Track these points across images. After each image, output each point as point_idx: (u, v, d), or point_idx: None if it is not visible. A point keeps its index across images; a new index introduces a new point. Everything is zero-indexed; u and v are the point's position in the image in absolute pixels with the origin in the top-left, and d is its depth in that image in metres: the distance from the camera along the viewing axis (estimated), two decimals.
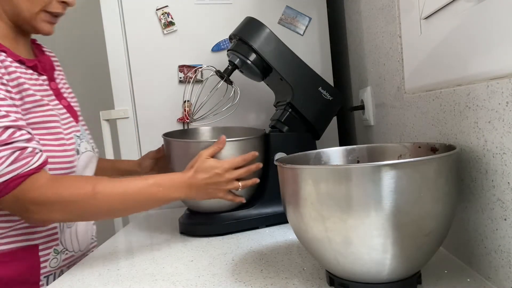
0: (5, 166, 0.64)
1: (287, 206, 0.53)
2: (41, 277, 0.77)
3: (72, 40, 1.79)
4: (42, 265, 0.77)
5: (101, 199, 0.71)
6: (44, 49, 0.91)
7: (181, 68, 1.19)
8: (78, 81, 1.81)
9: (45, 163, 0.70)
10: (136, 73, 1.18)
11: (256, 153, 0.84)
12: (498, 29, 0.43)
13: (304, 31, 1.21)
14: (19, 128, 0.67)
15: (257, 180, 0.85)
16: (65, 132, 0.79)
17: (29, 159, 0.66)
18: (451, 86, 0.55)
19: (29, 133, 0.69)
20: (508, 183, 0.44)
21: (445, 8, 0.55)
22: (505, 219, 0.45)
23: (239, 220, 0.87)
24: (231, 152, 0.84)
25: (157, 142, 1.02)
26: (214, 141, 0.83)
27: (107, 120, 1.21)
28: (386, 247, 0.45)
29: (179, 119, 1.20)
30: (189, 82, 1.17)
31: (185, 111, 1.19)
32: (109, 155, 1.22)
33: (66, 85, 0.91)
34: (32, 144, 0.68)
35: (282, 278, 0.59)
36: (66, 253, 0.82)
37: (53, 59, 0.91)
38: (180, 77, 1.19)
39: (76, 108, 0.89)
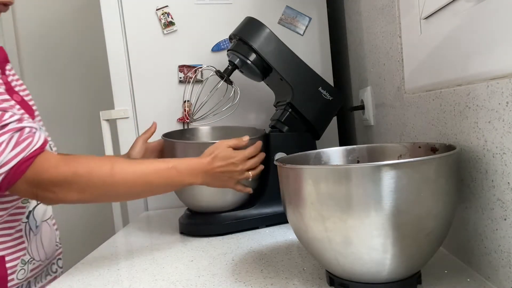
0: (8, 152, 0.62)
1: (287, 206, 0.53)
2: None
3: (72, 40, 1.79)
4: (9, 277, 0.73)
5: (119, 180, 0.69)
6: None
7: (181, 68, 1.19)
8: (78, 81, 1.81)
9: (46, 140, 0.67)
10: (136, 73, 1.18)
11: (261, 142, 0.85)
12: (498, 29, 0.43)
13: (304, 31, 1.21)
14: (4, 110, 0.64)
15: (263, 167, 0.87)
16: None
17: (30, 139, 0.64)
18: (451, 86, 0.55)
19: (15, 113, 0.65)
20: (508, 183, 0.44)
21: (445, 8, 0.55)
22: (505, 219, 0.45)
23: (239, 220, 0.87)
24: None
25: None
26: (214, 142, 0.83)
27: (107, 120, 1.21)
28: (386, 247, 0.45)
29: (179, 119, 1.20)
30: (189, 82, 1.18)
31: (185, 111, 1.19)
32: (109, 155, 1.22)
33: (20, 81, 0.86)
34: (26, 123, 0.65)
35: (282, 278, 0.59)
36: (34, 263, 0.79)
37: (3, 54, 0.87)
38: (180, 77, 1.19)
39: (30, 103, 0.84)
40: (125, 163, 0.71)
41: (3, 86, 0.76)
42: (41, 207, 0.82)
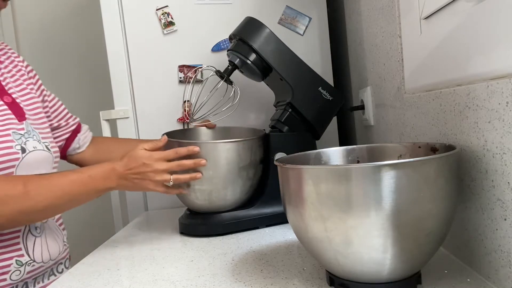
0: None
1: (287, 206, 0.53)
2: None
3: (72, 40, 1.79)
4: (0, 277, 0.73)
5: (34, 196, 0.68)
6: None
7: (181, 68, 1.19)
8: (78, 81, 1.81)
9: None
10: (136, 73, 1.18)
11: (196, 148, 0.80)
12: (498, 29, 0.43)
13: (304, 31, 1.21)
14: None
15: (197, 176, 0.80)
16: (1, 128, 0.75)
17: None
18: (451, 86, 0.55)
19: None
20: (508, 183, 0.44)
21: (445, 8, 0.55)
22: (505, 219, 0.45)
23: (239, 220, 0.87)
24: (230, 152, 0.84)
25: None
26: (213, 142, 0.83)
27: (107, 120, 1.21)
28: (386, 247, 0.45)
29: (179, 119, 1.20)
30: (189, 82, 1.17)
31: (185, 111, 1.19)
32: None
33: (19, 81, 0.86)
34: None
35: (282, 278, 0.59)
36: (33, 265, 0.78)
37: (0, 52, 0.87)
38: (180, 77, 1.19)
39: (24, 104, 0.84)
40: (38, 179, 0.70)
41: None
42: None
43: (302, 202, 0.48)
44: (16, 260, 0.76)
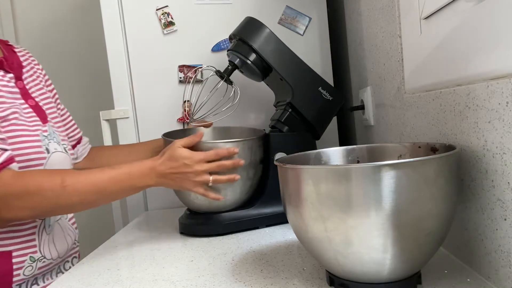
0: None
1: (287, 206, 0.53)
2: (13, 285, 0.75)
3: (72, 40, 1.79)
4: (15, 272, 0.75)
5: (71, 191, 0.69)
6: (16, 49, 0.90)
7: (181, 68, 1.19)
8: (78, 81, 1.81)
9: (8, 161, 0.68)
10: (136, 73, 1.18)
11: (236, 150, 0.81)
12: (498, 29, 0.43)
13: (304, 31, 1.21)
14: None
15: (235, 178, 0.81)
16: (31, 128, 0.78)
17: None
18: (451, 86, 0.55)
19: None
20: (508, 183, 0.44)
21: (445, 8, 0.55)
22: (505, 219, 0.45)
23: (239, 220, 0.87)
24: (229, 157, 0.84)
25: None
26: (213, 142, 0.83)
27: (107, 120, 1.21)
28: (386, 247, 0.45)
29: (179, 119, 1.20)
30: (189, 82, 1.17)
31: (185, 111, 1.19)
32: None
33: (39, 85, 0.90)
34: None
35: (282, 278, 0.59)
36: (44, 261, 0.80)
37: (22, 58, 0.90)
38: (180, 77, 1.19)
39: (45, 108, 0.87)
40: (76, 174, 0.71)
41: (19, 94, 0.81)
42: None
43: (302, 202, 0.48)
44: (30, 256, 0.77)
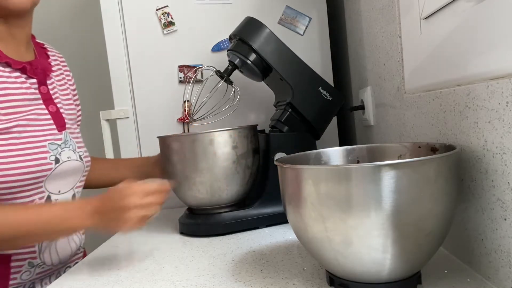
0: None
1: (287, 206, 0.53)
2: None
3: (72, 40, 1.79)
4: (12, 276, 0.74)
5: None
6: (49, 52, 0.90)
7: (181, 68, 1.19)
8: (78, 81, 1.81)
9: None
10: (136, 73, 1.18)
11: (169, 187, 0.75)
12: (498, 29, 0.43)
13: (304, 31, 1.21)
14: None
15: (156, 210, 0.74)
16: (38, 139, 0.76)
17: None
18: (451, 86, 0.55)
19: None
20: (508, 183, 0.44)
21: (445, 8, 0.55)
22: (505, 219, 0.45)
23: (239, 220, 0.87)
24: (227, 140, 0.85)
25: (157, 142, 1.02)
26: (210, 132, 0.83)
27: (107, 120, 1.21)
28: (386, 247, 0.45)
29: (179, 119, 1.20)
30: (189, 82, 1.17)
31: (185, 111, 1.19)
32: (109, 155, 1.22)
33: (66, 91, 0.89)
34: None
35: (282, 278, 0.59)
36: (43, 267, 0.79)
37: (54, 62, 0.89)
38: (180, 77, 1.19)
39: (66, 113, 0.85)
40: (3, 211, 0.65)
41: (40, 99, 0.79)
42: None
43: (302, 202, 0.48)
44: (28, 262, 0.77)
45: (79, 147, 0.86)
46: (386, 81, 0.84)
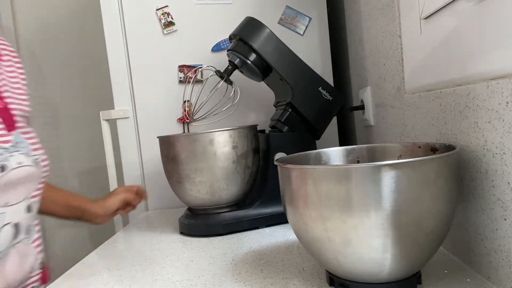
0: None
1: (287, 206, 0.53)
2: None
3: (72, 40, 1.79)
4: None
5: None
6: None
7: (181, 68, 1.19)
8: (78, 81, 1.81)
9: None
10: (136, 73, 1.18)
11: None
12: (498, 29, 0.43)
13: (304, 31, 1.21)
14: None
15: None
16: None
17: None
18: (451, 86, 0.55)
19: None
20: (508, 183, 0.44)
21: (445, 8, 0.55)
22: (505, 219, 0.45)
23: (239, 220, 0.87)
24: (227, 140, 0.85)
25: (157, 142, 1.02)
26: (209, 132, 0.83)
27: (107, 120, 1.21)
28: (386, 247, 0.45)
29: (179, 119, 1.20)
30: (189, 82, 1.18)
31: (185, 111, 1.19)
32: (109, 155, 1.22)
33: (17, 85, 0.76)
34: None
35: (282, 278, 0.59)
36: None
37: (3, 51, 0.77)
38: (180, 77, 1.19)
39: (17, 111, 0.72)
40: None
41: None
42: (9, 229, 0.67)
43: (302, 202, 0.48)
44: None
45: (34, 149, 0.72)
46: (386, 81, 0.84)
